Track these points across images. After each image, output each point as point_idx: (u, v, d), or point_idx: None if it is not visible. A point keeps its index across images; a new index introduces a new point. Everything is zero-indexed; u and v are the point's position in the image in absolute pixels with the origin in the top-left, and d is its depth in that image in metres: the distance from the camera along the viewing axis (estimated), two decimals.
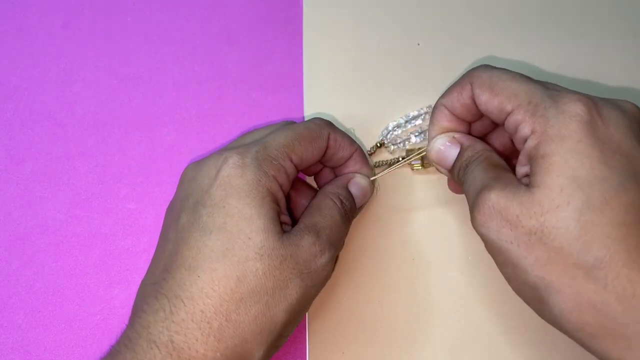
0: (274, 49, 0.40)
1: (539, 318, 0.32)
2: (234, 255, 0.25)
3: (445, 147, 0.30)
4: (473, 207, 0.26)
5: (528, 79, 0.27)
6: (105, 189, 0.37)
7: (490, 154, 0.29)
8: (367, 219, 0.35)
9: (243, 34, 0.41)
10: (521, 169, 0.26)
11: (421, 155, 0.36)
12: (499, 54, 0.40)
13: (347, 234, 0.31)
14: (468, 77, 0.28)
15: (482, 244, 0.34)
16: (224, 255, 0.25)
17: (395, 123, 0.37)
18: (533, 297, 0.25)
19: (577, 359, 0.32)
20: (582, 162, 0.23)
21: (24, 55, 0.40)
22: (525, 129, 0.25)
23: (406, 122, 0.37)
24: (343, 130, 0.32)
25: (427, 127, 0.37)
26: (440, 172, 0.32)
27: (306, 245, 0.27)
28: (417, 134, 0.37)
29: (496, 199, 0.25)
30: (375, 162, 0.36)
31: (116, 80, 0.39)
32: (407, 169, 0.36)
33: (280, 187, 0.28)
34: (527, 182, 0.25)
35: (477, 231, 0.27)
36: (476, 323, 0.33)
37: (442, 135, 0.30)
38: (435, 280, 0.34)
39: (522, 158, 0.26)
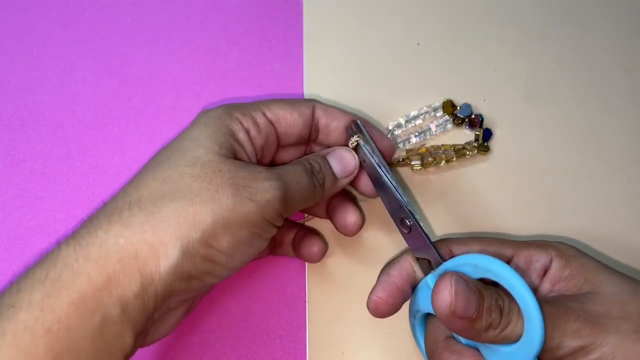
0: (274, 49, 0.40)
1: None
2: (167, 163, 0.26)
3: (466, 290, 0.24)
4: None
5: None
6: (105, 189, 0.37)
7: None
8: (367, 218, 0.35)
9: (243, 33, 0.41)
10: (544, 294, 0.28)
11: (422, 155, 0.36)
12: (499, 53, 0.40)
13: (311, 193, 0.29)
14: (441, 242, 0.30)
15: None
16: (158, 164, 0.26)
17: (395, 123, 0.37)
18: None
19: None
20: (610, 271, 0.27)
21: (24, 55, 0.40)
22: (541, 260, 0.28)
23: (406, 122, 0.37)
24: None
25: (427, 127, 0.37)
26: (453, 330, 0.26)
27: (250, 169, 0.27)
28: (417, 133, 0.37)
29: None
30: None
31: (116, 80, 0.39)
32: (407, 169, 0.36)
33: (246, 131, 0.28)
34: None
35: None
36: None
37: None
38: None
39: (545, 285, 0.28)
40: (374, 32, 0.41)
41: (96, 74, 0.40)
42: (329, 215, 0.33)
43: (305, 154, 0.33)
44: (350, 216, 0.32)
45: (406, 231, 0.30)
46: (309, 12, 0.41)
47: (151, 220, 0.24)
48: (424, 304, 0.28)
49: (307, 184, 0.29)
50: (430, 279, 0.28)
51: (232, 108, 0.29)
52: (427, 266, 0.29)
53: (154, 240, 0.23)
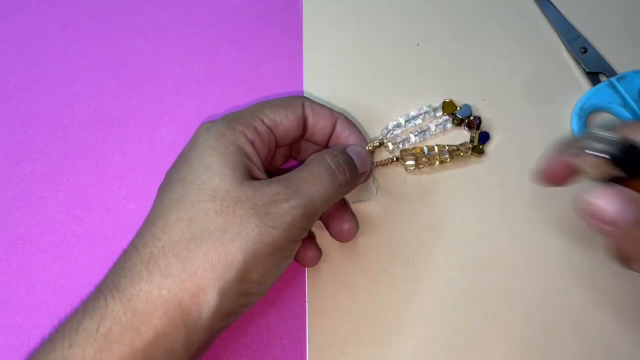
0: (274, 49, 0.40)
1: (537, 318, 0.33)
2: (189, 200, 0.26)
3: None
4: None
5: None
6: (105, 189, 0.37)
7: None
8: (367, 219, 0.35)
9: (243, 34, 0.41)
10: None
11: (416, 155, 0.36)
12: (499, 53, 0.40)
13: (335, 192, 0.29)
14: None
15: (481, 243, 0.34)
16: (179, 202, 0.26)
17: (395, 122, 0.37)
18: None
19: (574, 358, 0.32)
20: None
21: (24, 55, 0.40)
22: None
23: (406, 121, 0.37)
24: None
25: (426, 127, 0.37)
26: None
27: (268, 191, 0.26)
28: (416, 133, 0.37)
29: None
30: (375, 162, 0.36)
31: (116, 80, 0.40)
32: (401, 169, 0.36)
33: (251, 143, 0.28)
34: None
35: None
36: (476, 323, 0.33)
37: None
38: (435, 280, 0.34)
39: None
40: (373, 32, 0.41)
41: (96, 74, 0.40)
42: (323, 220, 0.33)
43: (294, 150, 0.34)
44: (345, 223, 0.32)
45: None
46: (309, 12, 0.41)
47: (188, 267, 0.24)
48: None
49: (330, 186, 0.28)
50: None
51: (232, 121, 0.29)
52: None
53: (194, 288, 0.24)
